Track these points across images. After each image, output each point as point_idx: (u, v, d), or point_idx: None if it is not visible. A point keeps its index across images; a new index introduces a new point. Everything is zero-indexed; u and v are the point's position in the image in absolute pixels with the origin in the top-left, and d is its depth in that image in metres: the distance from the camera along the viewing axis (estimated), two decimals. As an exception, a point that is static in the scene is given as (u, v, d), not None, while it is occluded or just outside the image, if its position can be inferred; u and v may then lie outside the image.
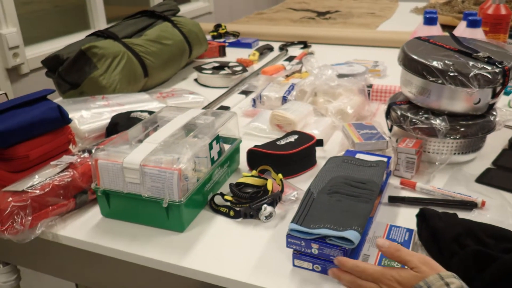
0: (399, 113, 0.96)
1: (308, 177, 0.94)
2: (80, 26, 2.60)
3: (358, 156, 0.88)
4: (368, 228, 0.73)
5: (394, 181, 0.90)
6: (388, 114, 1.00)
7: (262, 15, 2.65)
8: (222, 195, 0.85)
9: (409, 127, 0.93)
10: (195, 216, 0.82)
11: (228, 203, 0.84)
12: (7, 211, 0.74)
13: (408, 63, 0.93)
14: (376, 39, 1.89)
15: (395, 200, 0.83)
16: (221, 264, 0.71)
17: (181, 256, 0.73)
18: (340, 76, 1.28)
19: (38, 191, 0.77)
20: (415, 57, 0.91)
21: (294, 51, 1.89)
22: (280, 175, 0.85)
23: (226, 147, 0.93)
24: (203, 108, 1.28)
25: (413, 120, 0.92)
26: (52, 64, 1.27)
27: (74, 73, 1.25)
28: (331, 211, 0.69)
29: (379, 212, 0.82)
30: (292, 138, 0.97)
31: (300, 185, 0.91)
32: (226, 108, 1.31)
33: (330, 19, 2.50)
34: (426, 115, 0.92)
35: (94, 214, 0.84)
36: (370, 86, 1.31)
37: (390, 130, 1.02)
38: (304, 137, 0.98)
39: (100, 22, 2.57)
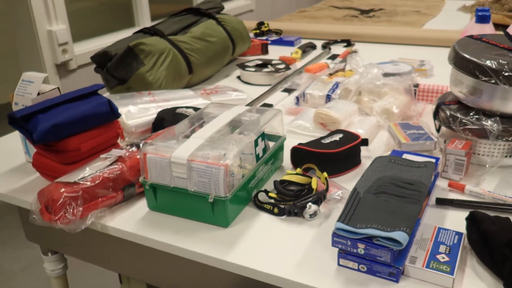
0: (448, 113, 0.93)
1: (353, 177, 0.93)
2: (125, 23, 2.67)
3: (405, 156, 0.86)
4: (415, 229, 0.71)
5: (441, 183, 0.88)
6: (436, 114, 0.98)
7: (304, 13, 2.64)
8: (266, 192, 0.85)
9: (458, 128, 0.90)
10: (240, 212, 0.83)
11: (272, 200, 0.84)
12: (60, 202, 0.76)
13: (459, 62, 0.90)
14: (423, 37, 1.84)
15: (443, 202, 0.81)
16: (265, 260, 0.71)
17: (225, 251, 0.73)
18: (386, 75, 1.26)
19: (89, 183, 0.80)
20: (467, 56, 0.89)
21: (337, 49, 1.87)
22: (325, 174, 0.85)
23: (271, 144, 0.93)
24: (246, 105, 1.29)
25: (463, 120, 0.90)
26: (101, 60, 1.31)
27: (121, 69, 1.28)
28: (378, 211, 0.68)
29: (427, 214, 0.80)
30: (336, 137, 0.96)
31: (344, 184, 0.90)
32: (269, 105, 1.31)
33: (374, 17, 2.46)
34: (477, 116, 0.89)
35: (141, 207, 0.86)
36: (416, 85, 1.28)
37: (438, 130, 1.00)
38: (349, 136, 0.97)
39: (144, 20, 2.63)
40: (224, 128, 0.87)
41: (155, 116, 1.13)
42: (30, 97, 0.95)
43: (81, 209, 0.78)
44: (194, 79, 1.46)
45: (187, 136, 0.86)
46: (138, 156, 0.88)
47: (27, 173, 0.99)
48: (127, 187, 0.85)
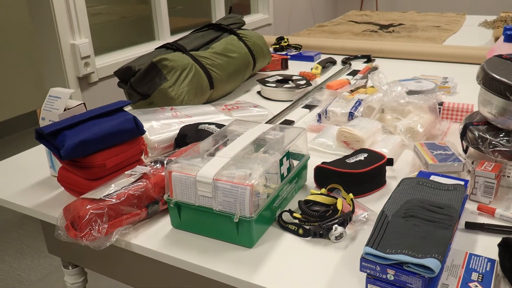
0: (476, 134, 0.92)
1: (378, 198, 0.92)
2: (146, 36, 2.70)
3: (433, 178, 0.85)
4: (446, 255, 0.70)
5: (470, 206, 0.86)
6: (463, 135, 0.96)
7: (323, 28, 2.64)
8: (291, 212, 0.84)
9: (488, 149, 0.89)
10: (264, 232, 0.82)
11: (297, 221, 0.83)
12: (86, 218, 0.76)
13: (489, 83, 0.89)
14: (446, 54, 1.83)
15: (473, 227, 0.79)
16: (291, 283, 0.70)
17: (251, 272, 0.73)
18: (409, 92, 1.25)
19: (114, 200, 0.80)
20: (497, 77, 0.87)
21: (357, 65, 1.86)
22: (350, 195, 0.83)
23: (294, 163, 0.93)
24: (267, 122, 1.28)
25: (493, 142, 0.88)
26: (124, 75, 1.32)
27: (144, 84, 1.29)
28: (408, 236, 0.67)
29: (456, 238, 0.78)
30: (361, 156, 0.95)
31: (369, 205, 0.89)
32: (291, 122, 1.30)
33: (394, 32, 2.45)
34: (507, 138, 0.88)
35: (164, 224, 0.85)
36: (441, 103, 1.26)
37: (466, 151, 0.98)
38: (374, 155, 0.96)
39: (164, 33, 2.66)
40: (248, 146, 0.86)
41: (177, 131, 1.13)
42: (57, 113, 0.96)
43: (106, 226, 0.78)
44: (215, 94, 1.47)
45: (212, 154, 0.85)
46: (163, 173, 0.88)
47: (51, 187, 1.00)
48: (151, 204, 0.85)
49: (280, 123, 1.29)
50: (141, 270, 0.90)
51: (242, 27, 1.70)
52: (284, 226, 0.82)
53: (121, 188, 0.82)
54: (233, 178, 0.76)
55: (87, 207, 0.78)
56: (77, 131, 0.86)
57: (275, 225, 0.84)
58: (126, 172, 0.88)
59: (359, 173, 0.90)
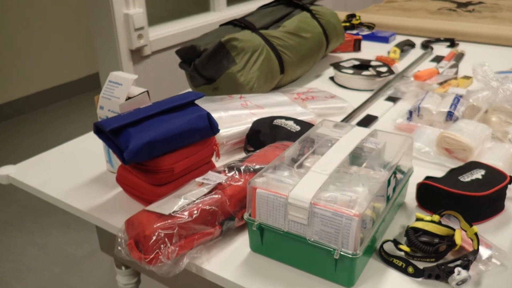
0: None
1: (497, 226, 0.75)
2: (200, 7, 2.54)
3: None
4: None
5: None
6: None
7: (393, 4, 2.40)
8: (396, 243, 0.69)
9: None
10: (364, 266, 0.67)
11: (403, 253, 0.68)
12: (153, 240, 0.64)
13: None
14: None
15: None
16: None
17: (352, 323, 0.58)
18: (522, 91, 1.05)
19: (185, 217, 0.67)
20: None
21: (440, 49, 1.65)
22: (474, 228, 0.67)
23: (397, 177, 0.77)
24: (347, 117, 1.12)
25: None
26: (187, 55, 1.18)
27: (211, 67, 1.14)
28: None
29: None
30: (478, 174, 0.78)
31: (489, 236, 0.72)
32: (374, 117, 1.13)
33: (474, 11, 2.20)
34: None
35: (241, 245, 0.72)
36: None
37: None
38: (493, 173, 0.78)
39: (220, 4, 2.49)
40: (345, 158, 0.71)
41: (249, 125, 0.99)
42: (117, 102, 0.83)
43: (176, 249, 0.65)
44: (284, 80, 1.31)
45: (300, 165, 0.71)
46: (240, 184, 0.74)
47: (109, 186, 0.88)
48: (226, 220, 0.71)
49: (362, 119, 1.12)
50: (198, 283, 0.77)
51: (315, 2, 1.51)
52: (388, 260, 0.67)
53: (193, 202, 0.69)
54: (335, 203, 0.61)
55: (155, 226, 0.65)
56: (143, 129, 0.72)
57: (375, 256, 0.69)
58: (197, 180, 0.74)
59: (479, 197, 0.73)
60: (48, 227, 2.37)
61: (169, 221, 0.66)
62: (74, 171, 0.94)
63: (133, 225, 0.68)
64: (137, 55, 2.03)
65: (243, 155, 0.98)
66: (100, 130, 0.75)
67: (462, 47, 1.68)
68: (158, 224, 0.65)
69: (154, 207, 0.69)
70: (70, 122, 3.47)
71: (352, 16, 1.88)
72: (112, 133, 0.72)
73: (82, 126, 3.36)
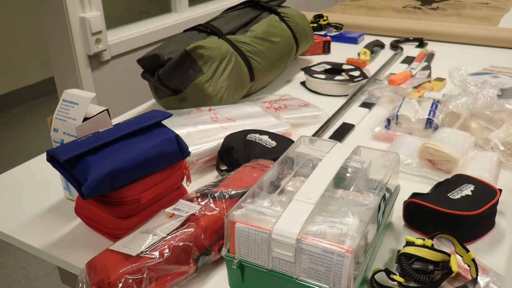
0: None
1: (490, 246, 0.71)
2: (160, 7, 2.44)
3: None
4: None
5: None
6: None
7: (359, 2, 2.37)
8: (388, 272, 0.63)
9: None
10: (355, 302, 0.61)
11: (396, 283, 0.63)
12: (119, 287, 0.56)
13: None
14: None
15: None
16: None
17: None
18: (502, 94, 1.02)
19: (156, 257, 0.59)
20: None
21: (409, 49, 1.62)
22: (471, 254, 0.62)
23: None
24: (323, 125, 1.06)
25: None
26: (150, 64, 1.09)
27: (176, 77, 1.06)
28: None
29: None
30: (467, 190, 0.74)
31: (482, 256, 0.68)
32: (351, 126, 1.08)
33: (438, 9, 2.19)
34: None
35: (219, 282, 0.65)
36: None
37: None
38: (482, 188, 0.74)
39: (182, 4, 2.39)
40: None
41: (220, 141, 0.92)
42: (74, 123, 0.74)
43: (146, 295, 0.57)
44: (254, 87, 1.24)
45: (282, 191, 0.64)
46: (215, 213, 0.66)
47: (67, 217, 0.79)
48: (201, 256, 0.64)
49: (339, 128, 1.07)
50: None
51: (282, 4, 1.45)
52: (381, 292, 0.62)
53: (163, 238, 0.62)
54: (324, 237, 0.55)
55: (121, 271, 0.57)
56: (104, 157, 0.64)
57: (366, 287, 0.64)
58: (167, 210, 0.66)
59: (472, 216, 0.69)
60: (5, 245, 2.23)
61: (137, 263, 0.58)
62: (26, 200, 0.84)
63: (95, 268, 0.60)
64: (96, 60, 1.92)
65: (215, 173, 0.91)
66: (54, 158, 0.66)
67: (431, 46, 1.66)
68: (125, 269, 0.57)
69: (119, 246, 0.61)
70: (25, 129, 3.29)
71: (319, 16, 1.83)
72: (68, 164, 0.63)
73: (38, 132, 3.20)
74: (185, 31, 1.21)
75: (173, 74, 1.06)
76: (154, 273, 0.59)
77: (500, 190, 0.75)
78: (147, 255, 0.59)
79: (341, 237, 0.55)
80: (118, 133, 0.67)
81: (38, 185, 0.88)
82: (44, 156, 0.99)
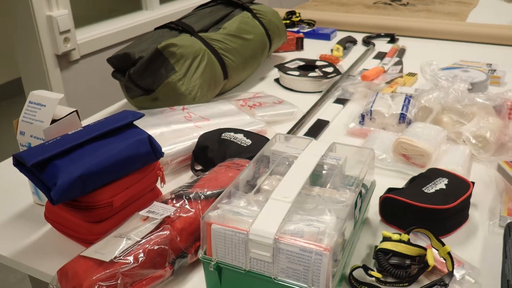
0: None
1: (464, 239, 0.72)
2: (131, 5, 2.39)
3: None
4: None
5: None
6: None
7: (330, -1, 2.38)
8: (366, 268, 0.63)
9: None
10: (334, 300, 0.61)
11: (374, 279, 0.63)
12: (93, 294, 0.54)
13: None
14: (491, 35, 1.60)
15: None
16: None
17: None
18: (472, 88, 1.04)
19: (131, 262, 0.57)
20: None
21: (381, 45, 1.63)
22: (447, 247, 0.63)
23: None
24: (298, 122, 1.06)
25: None
26: (120, 64, 1.07)
27: (148, 76, 1.04)
28: None
29: None
30: (442, 184, 0.74)
31: (457, 249, 0.69)
32: (325, 122, 1.08)
33: (409, 5, 2.22)
34: None
35: (196, 285, 0.64)
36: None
37: None
38: (456, 181, 0.75)
39: (153, 2, 2.36)
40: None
41: (194, 141, 0.90)
42: (41, 126, 0.72)
43: (121, 302, 0.56)
44: (228, 85, 1.23)
45: (258, 190, 0.63)
46: (190, 215, 0.65)
47: (36, 223, 0.76)
48: (177, 258, 0.63)
49: (314, 125, 1.07)
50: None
51: (254, 1, 1.44)
52: (358, 289, 0.62)
53: (138, 242, 0.60)
54: (301, 236, 0.55)
55: (94, 277, 0.55)
56: (73, 160, 0.62)
57: (345, 284, 0.64)
58: (140, 213, 0.65)
59: (446, 210, 0.70)
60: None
61: (111, 269, 0.56)
62: (-6, 207, 0.81)
63: (67, 276, 0.58)
64: (65, 60, 1.87)
65: (190, 174, 0.89)
66: (21, 163, 0.63)
67: (402, 42, 1.68)
68: (98, 275, 0.55)
69: (92, 252, 0.59)
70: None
71: (292, 13, 1.82)
72: (36, 168, 0.61)
73: (4, 135, 3.11)
74: (156, 29, 1.19)
75: (144, 73, 1.03)
76: (129, 279, 0.57)
77: (473, 183, 0.76)
78: (121, 260, 0.57)
79: (318, 235, 0.54)
80: (88, 135, 0.65)
81: (6, 190, 0.85)
82: (11, 160, 0.95)
